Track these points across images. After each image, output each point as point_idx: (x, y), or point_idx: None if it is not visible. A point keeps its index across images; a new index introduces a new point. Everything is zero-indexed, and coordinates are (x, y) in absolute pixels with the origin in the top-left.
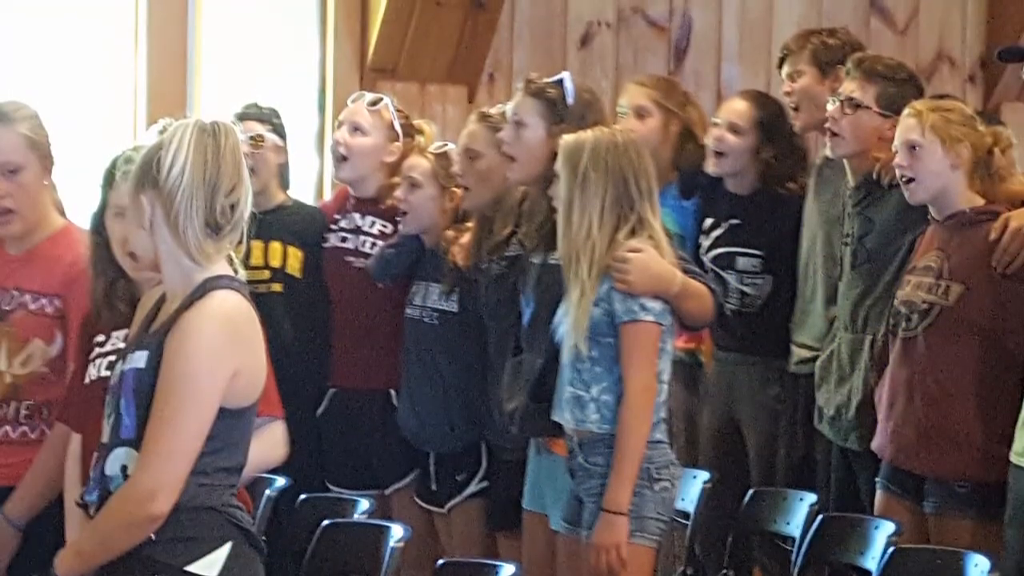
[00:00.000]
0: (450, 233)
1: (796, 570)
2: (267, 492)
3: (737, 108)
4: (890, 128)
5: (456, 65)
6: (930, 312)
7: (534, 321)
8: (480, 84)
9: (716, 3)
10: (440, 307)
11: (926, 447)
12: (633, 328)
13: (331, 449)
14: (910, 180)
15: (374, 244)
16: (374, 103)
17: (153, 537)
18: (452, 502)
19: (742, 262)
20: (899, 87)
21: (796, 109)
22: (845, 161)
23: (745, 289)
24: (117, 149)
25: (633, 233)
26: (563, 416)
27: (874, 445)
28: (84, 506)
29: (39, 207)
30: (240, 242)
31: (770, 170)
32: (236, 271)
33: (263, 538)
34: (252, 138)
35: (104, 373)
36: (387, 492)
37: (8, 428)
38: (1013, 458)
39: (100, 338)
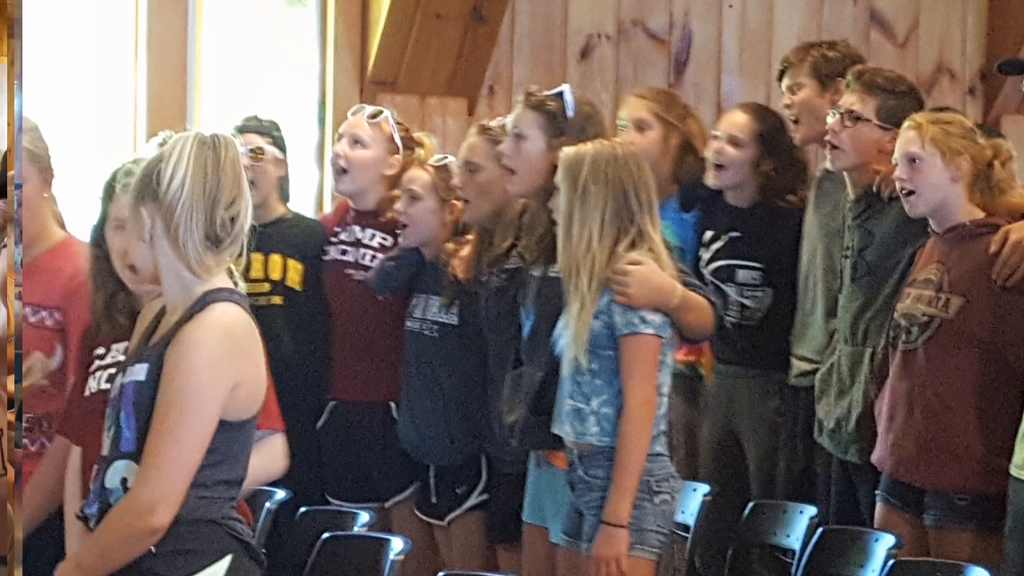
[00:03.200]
0: (450, 246)
1: None
2: (267, 505)
3: (737, 121)
4: (890, 141)
5: (456, 78)
6: (930, 325)
7: (534, 334)
8: (480, 97)
9: (716, 16)
10: (440, 320)
11: (926, 459)
12: (633, 341)
13: (331, 462)
14: (910, 193)
15: (374, 257)
16: (374, 116)
17: (153, 550)
18: (452, 515)
19: (742, 275)
20: (899, 99)
21: (796, 122)
22: (845, 174)
23: (745, 302)
24: (117, 162)
25: (633, 246)
26: (563, 429)
27: (874, 458)
28: (84, 519)
29: (39, 220)
30: (240, 255)
31: (770, 183)
32: (236, 284)
33: (263, 551)
34: (252, 151)
35: (104, 386)
36: (387, 505)
37: None
38: (1013, 470)
39: (100, 351)
